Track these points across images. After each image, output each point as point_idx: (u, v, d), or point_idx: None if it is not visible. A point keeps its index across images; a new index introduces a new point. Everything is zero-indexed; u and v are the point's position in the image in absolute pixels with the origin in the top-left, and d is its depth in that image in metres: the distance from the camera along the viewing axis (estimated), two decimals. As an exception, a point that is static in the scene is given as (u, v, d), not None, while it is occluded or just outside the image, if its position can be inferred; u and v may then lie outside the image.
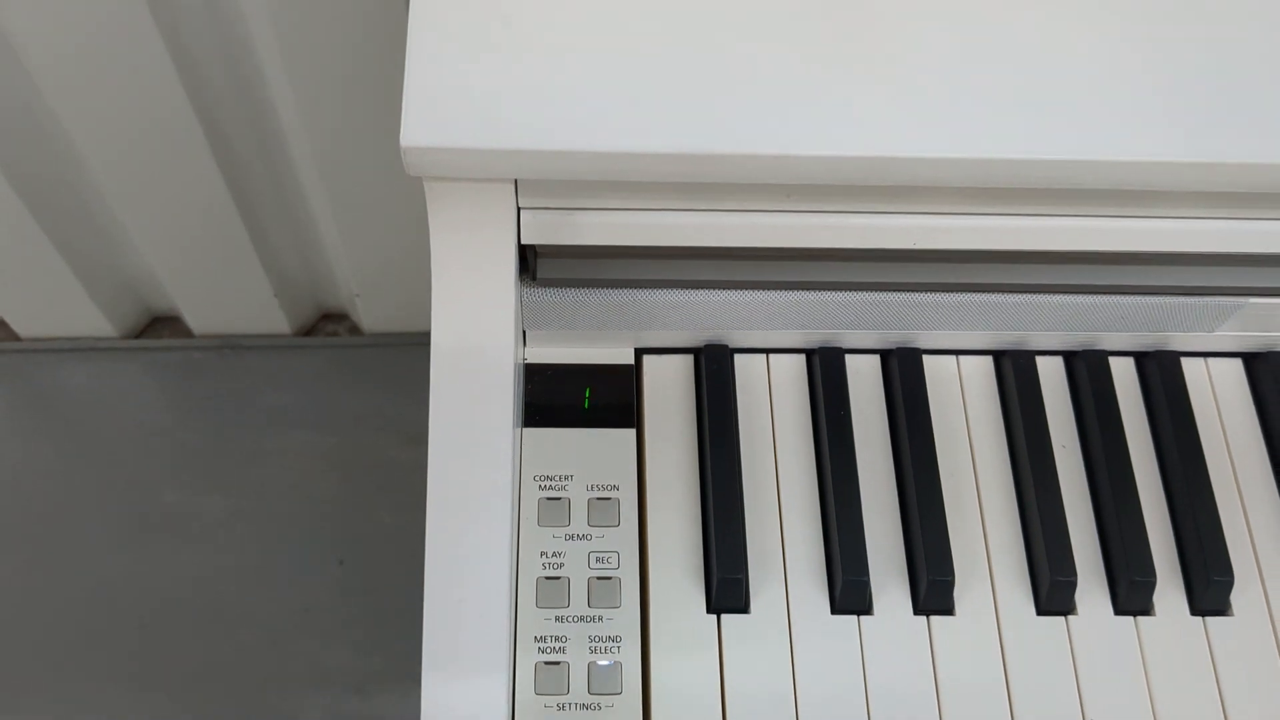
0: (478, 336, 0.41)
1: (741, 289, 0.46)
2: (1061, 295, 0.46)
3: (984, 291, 0.46)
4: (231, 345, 1.14)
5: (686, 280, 0.45)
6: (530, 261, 0.44)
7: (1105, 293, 0.46)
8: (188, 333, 1.14)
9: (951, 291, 0.46)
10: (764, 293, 0.46)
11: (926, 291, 0.46)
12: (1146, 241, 0.43)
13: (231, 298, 1.08)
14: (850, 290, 0.46)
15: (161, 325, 1.15)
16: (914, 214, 0.43)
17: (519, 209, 0.41)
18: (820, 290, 0.46)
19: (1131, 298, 0.46)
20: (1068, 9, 0.42)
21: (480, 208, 0.39)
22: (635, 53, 0.39)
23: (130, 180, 0.91)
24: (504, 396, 0.41)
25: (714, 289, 0.46)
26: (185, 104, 0.82)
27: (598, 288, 0.45)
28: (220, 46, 0.80)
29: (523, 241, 0.42)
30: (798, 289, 0.46)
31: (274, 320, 1.12)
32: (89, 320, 1.09)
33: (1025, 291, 0.46)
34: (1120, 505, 0.45)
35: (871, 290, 0.46)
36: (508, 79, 0.38)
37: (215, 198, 0.92)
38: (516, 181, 0.39)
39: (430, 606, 0.39)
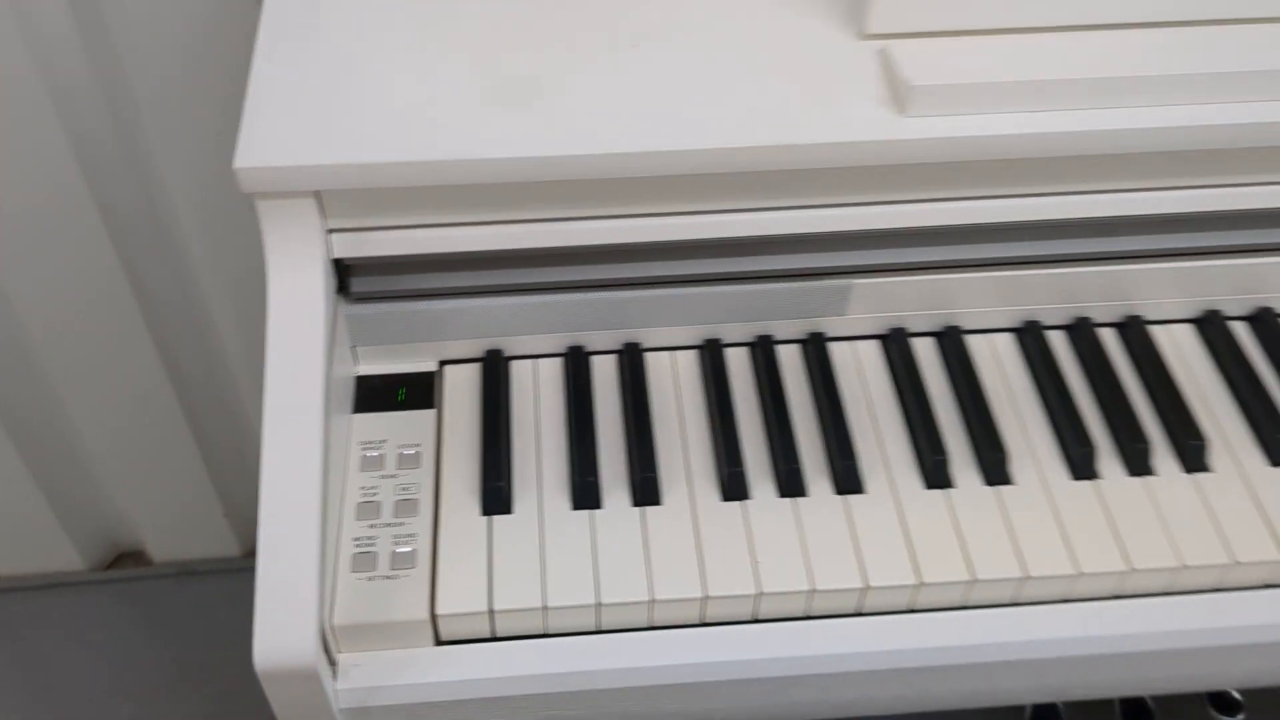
0: (297, 339, 0.60)
1: (512, 294, 0.65)
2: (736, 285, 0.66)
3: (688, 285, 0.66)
4: (189, 571, 1.30)
5: (471, 288, 0.65)
6: (346, 279, 0.64)
7: (768, 280, 0.66)
8: (147, 561, 1.31)
9: (659, 286, 0.66)
10: (530, 296, 0.66)
11: (647, 287, 0.66)
12: (766, 228, 0.64)
13: (188, 522, 1.27)
14: (592, 290, 0.65)
15: (125, 557, 1.33)
16: (632, 216, 0.62)
17: (328, 228, 0.61)
18: (570, 291, 0.65)
19: (775, 285, 0.66)
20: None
21: (295, 224, 0.59)
22: (398, 82, 0.61)
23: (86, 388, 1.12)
24: (315, 393, 0.58)
25: (493, 295, 0.65)
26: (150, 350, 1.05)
27: (401, 300, 0.65)
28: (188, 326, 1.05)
29: (335, 256, 0.62)
30: (557, 291, 0.65)
31: (226, 543, 1.30)
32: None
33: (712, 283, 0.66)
34: (774, 428, 0.64)
35: (606, 289, 0.66)
36: (309, 109, 0.59)
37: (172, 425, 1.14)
38: (320, 196, 0.60)
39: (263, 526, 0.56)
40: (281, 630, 0.53)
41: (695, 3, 0.66)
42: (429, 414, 0.65)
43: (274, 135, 0.58)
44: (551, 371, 0.68)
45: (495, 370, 0.67)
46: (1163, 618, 0.59)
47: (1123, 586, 0.60)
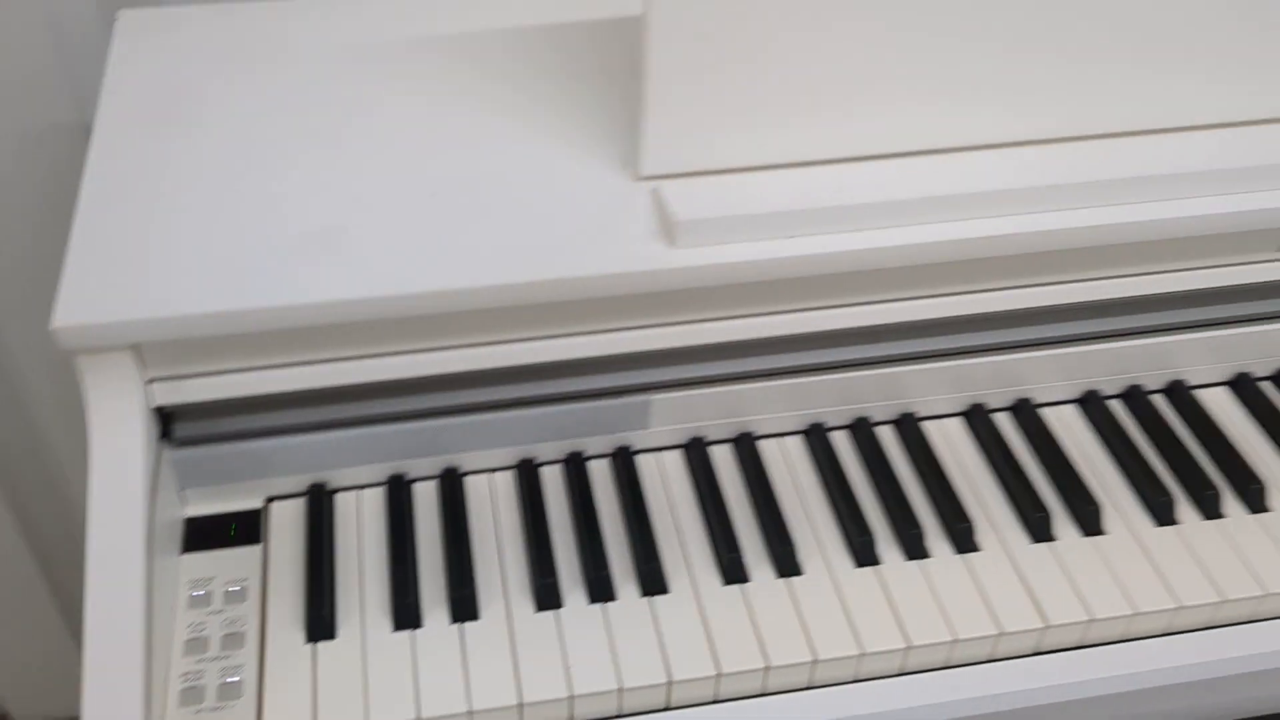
0: (118, 490, 0.63)
1: (333, 428, 0.69)
2: (546, 406, 0.71)
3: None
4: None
5: (292, 425, 0.69)
6: (168, 426, 0.68)
7: (575, 400, 0.71)
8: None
9: (473, 413, 0.71)
10: (350, 430, 0.70)
11: (462, 414, 0.70)
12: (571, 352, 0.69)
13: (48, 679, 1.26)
14: (409, 420, 0.70)
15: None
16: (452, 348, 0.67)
17: (148, 378, 0.65)
18: (388, 422, 0.70)
19: (581, 404, 0.72)
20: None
21: (114, 378, 0.63)
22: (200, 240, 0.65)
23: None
24: (136, 542, 0.61)
25: (314, 431, 0.69)
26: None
27: (225, 441, 0.68)
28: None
29: (156, 405, 0.66)
30: (376, 423, 0.70)
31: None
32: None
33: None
34: (585, 539, 0.68)
35: (423, 418, 0.70)
36: (123, 266, 0.63)
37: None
38: (138, 349, 0.63)
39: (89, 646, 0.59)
40: (106, 770, 0.55)
41: (488, 154, 0.72)
42: (256, 549, 0.69)
43: (90, 293, 0.62)
44: (374, 500, 0.72)
45: (319, 504, 0.70)
46: (939, 690, 0.64)
47: (905, 664, 0.65)
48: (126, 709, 0.57)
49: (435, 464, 0.73)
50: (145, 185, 0.70)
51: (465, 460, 0.73)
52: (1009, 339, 0.75)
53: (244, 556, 0.68)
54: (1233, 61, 0.72)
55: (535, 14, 0.85)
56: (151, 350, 0.64)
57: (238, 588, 0.66)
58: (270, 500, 0.71)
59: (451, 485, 0.72)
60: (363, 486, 0.72)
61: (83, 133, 0.93)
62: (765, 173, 0.70)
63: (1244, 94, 0.73)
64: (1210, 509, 0.71)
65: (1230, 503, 0.72)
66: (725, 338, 0.70)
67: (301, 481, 0.71)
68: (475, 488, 0.73)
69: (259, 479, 0.70)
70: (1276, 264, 0.74)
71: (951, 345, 0.74)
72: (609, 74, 0.79)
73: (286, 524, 0.70)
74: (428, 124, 0.75)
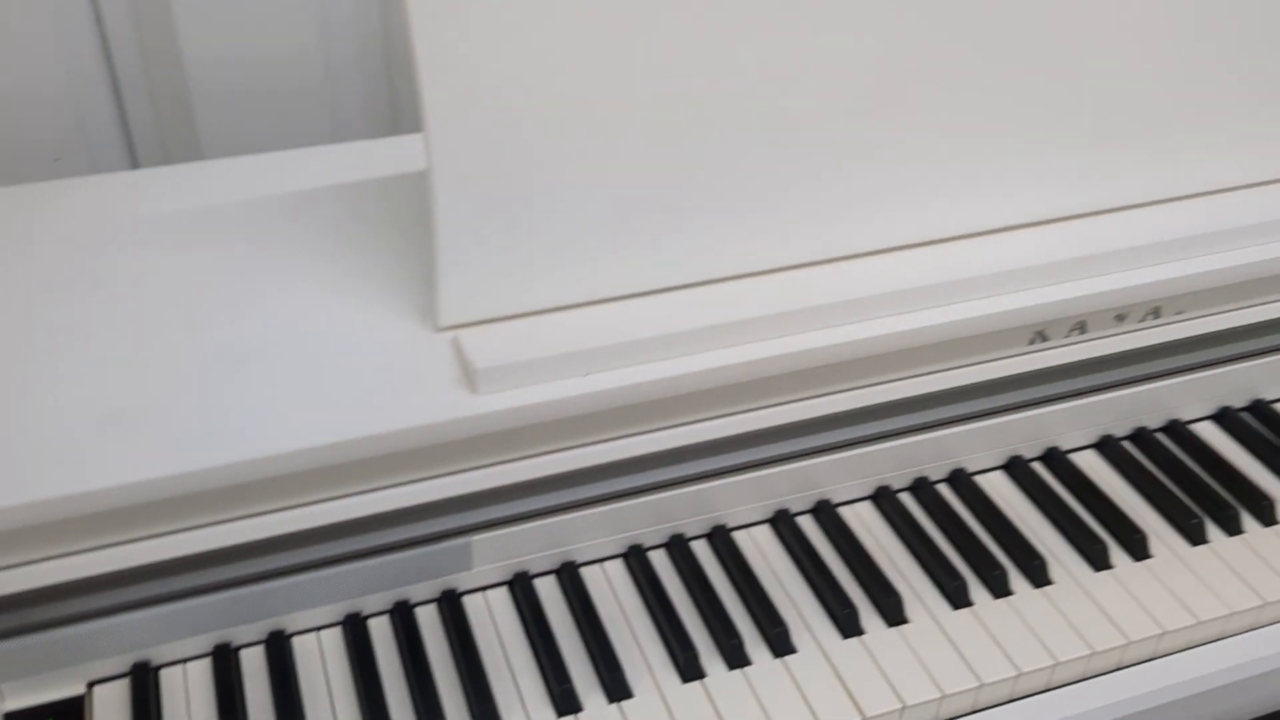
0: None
1: (152, 605, 0.69)
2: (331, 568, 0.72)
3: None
4: None
5: (109, 606, 0.68)
6: (-24, 622, 0.66)
7: (395, 550, 0.73)
8: None
9: (294, 574, 0.71)
10: (169, 604, 0.69)
11: (282, 576, 0.71)
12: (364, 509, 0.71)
13: None
14: (230, 588, 0.70)
15: None
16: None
17: (-51, 579, 0.64)
18: (208, 593, 0.70)
19: (402, 553, 0.73)
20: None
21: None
22: None
23: None
24: None
25: (133, 610, 0.69)
26: None
27: (40, 630, 0.67)
28: None
29: (-41, 603, 0.64)
30: (195, 595, 0.70)
31: None
32: None
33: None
34: (415, 687, 0.69)
35: (243, 585, 0.70)
36: None
37: None
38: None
39: None
40: None
41: (291, 318, 0.74)
42: (79, 739, 0.67)
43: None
44: (199, 672, 0.71)
45: (143, 683, 0.70)
46: (768, 791, 0.67)
47: (734, 770, 0.68)
48: None
49: (260, 628, 0.73)
50: (-62, 380, 0.69)
51: (291, 621, 0.73)
52: (803, 446, 0.80)
53: (66, 747, 0.67)
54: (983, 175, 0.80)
55: (320, 177, 0.88)
56: (-48, 548, 0.63)
57: (61, 783, 0.65)
58: (92, 684, 0.70)
59: (278, 648, 0.72)
60: (186, 660, 0.72)
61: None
62: (561, 313, 0.74)
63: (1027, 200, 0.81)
64: (999, 588, 0.76)
65: (1017, 580, 0.77)
66: (538, 473, 0.73)
67: (124, 662, 0.70)
68: (303, 647, 0.73)
69: (79, 664, 0.69)
70: (1030, 355, 0.81)
71: (751, 458, 0.78)
72: (402, 228, 0.82)
73: (111, 707, 0.69)
74: (220, 290, 0.76)
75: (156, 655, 0.71)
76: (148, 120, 1.04)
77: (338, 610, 0.74)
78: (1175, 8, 0.82)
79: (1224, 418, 0.91)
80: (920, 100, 0.77)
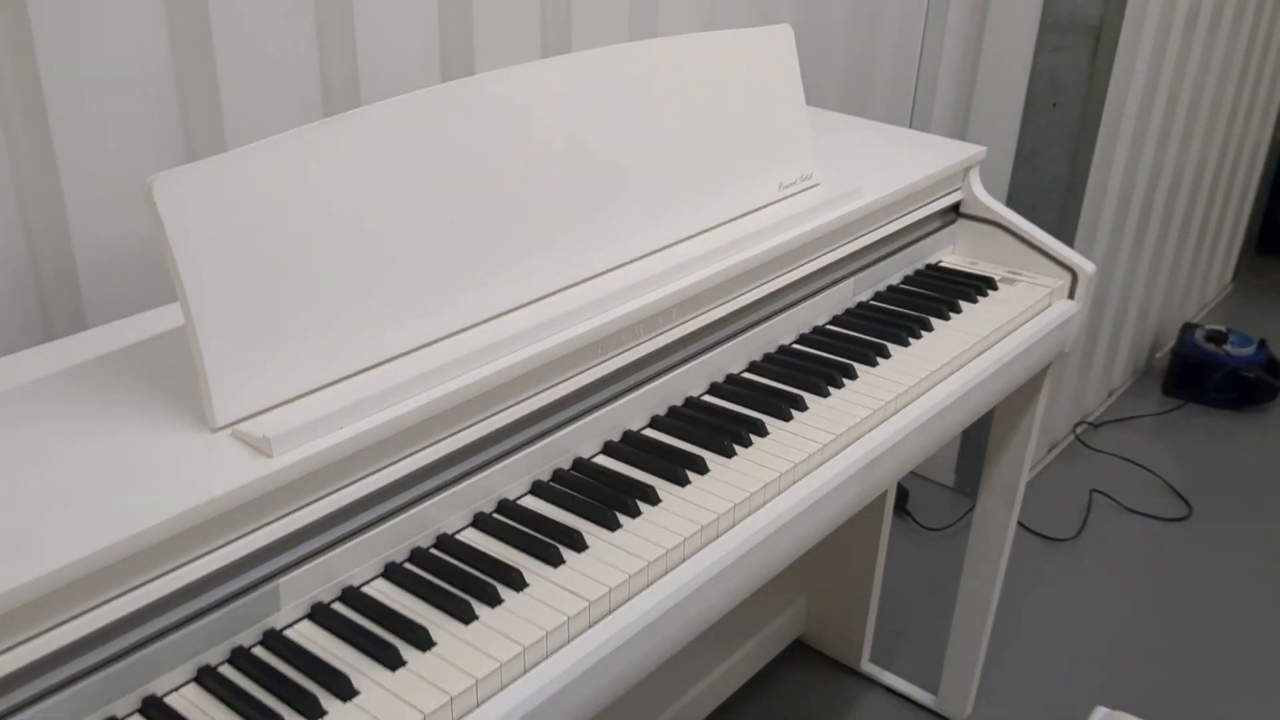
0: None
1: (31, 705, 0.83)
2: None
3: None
4: None
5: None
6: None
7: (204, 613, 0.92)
8: None
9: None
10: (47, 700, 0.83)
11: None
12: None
13: None
14: (103, 669, 0.85)
15: None
16: None
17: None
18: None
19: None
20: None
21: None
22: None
23: None
24: None
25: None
26: None
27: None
28: None
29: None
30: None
31: None
32: None
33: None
34: None
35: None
36: None
37: None
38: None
39: None
40: None
41: (93, 447, 0.93)
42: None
43: None
44: (101, 743, 0.86)
45: (59, 762, 0.83)
46: None
47: None
48: None
49: (135, 698, 0.89)
50: None
51: (157, 686, 0.90)
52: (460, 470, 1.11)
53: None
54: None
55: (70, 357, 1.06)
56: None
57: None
58: (8, 785, 0.82)
59: (158, 707, 0.88)
60: (84, 742, 0.86)
61: None
62: (298, 399, 1.00)
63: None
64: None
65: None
66: (327, 510, 0.97)
67: (30, 758, 0.83)
68: (177, 702, 0.90)
69: (-6, 770, 0.81)
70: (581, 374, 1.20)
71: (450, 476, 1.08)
72: (150, 380, 1.03)
73: (35, 793, 0.82)
74: (25, 446, 0.93)
75: (57, 745, 0.85)
76: None
77: (189, 669, 0.92)
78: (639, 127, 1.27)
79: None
80: (467, 232, 1.14)
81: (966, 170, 1.76)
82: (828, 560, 2.25)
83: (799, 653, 2.31)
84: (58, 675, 0.83)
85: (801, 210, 1.45)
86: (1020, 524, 2.72)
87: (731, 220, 1.42)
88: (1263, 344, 3.32)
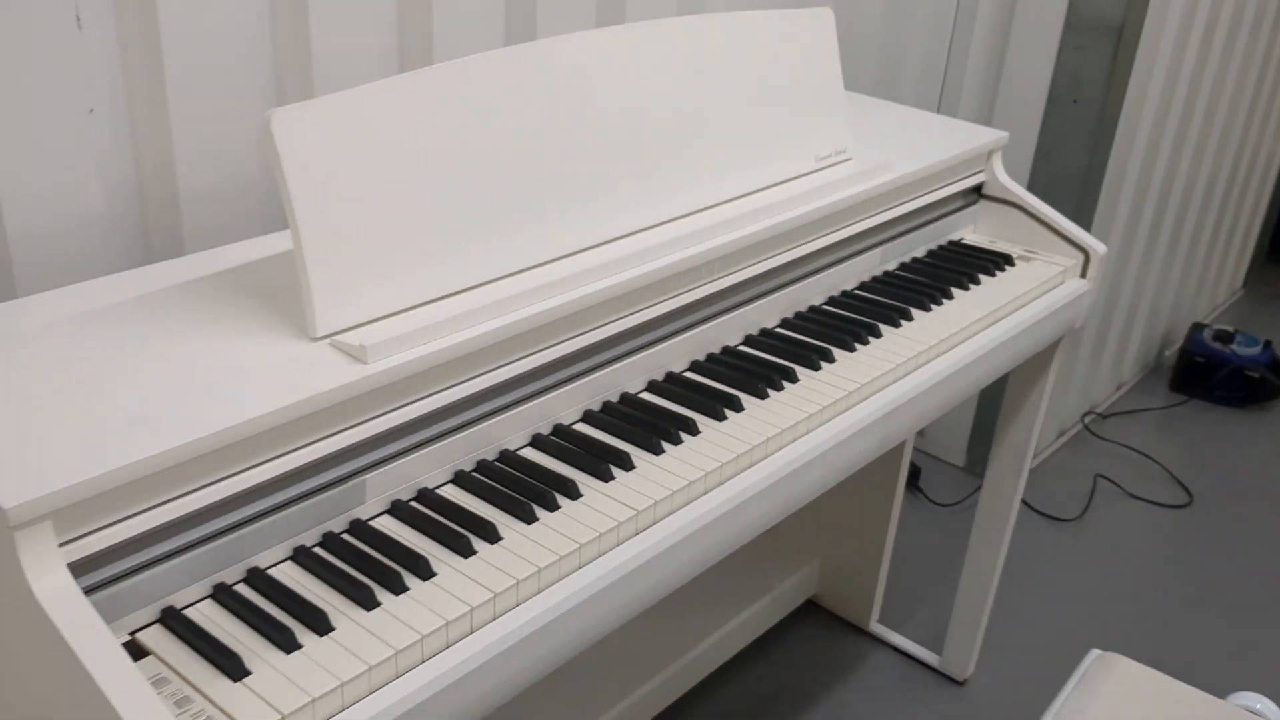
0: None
1: (168, 559, 0.95)
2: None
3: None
4: None
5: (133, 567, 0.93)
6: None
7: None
8: None
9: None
10: (174, 559, 0.95)
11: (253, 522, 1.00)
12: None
13: None
14: (218, 538, 0.97)
15: None
16: None
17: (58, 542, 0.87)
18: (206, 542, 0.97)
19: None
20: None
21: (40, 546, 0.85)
22: None
23: None
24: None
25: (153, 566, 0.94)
26: None
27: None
28: None
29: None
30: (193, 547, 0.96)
31: None
32: None
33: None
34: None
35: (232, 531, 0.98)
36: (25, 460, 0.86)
37: None
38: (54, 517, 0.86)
39: None
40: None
41: (206, 349, 1.05)
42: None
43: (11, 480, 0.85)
44: (210, 608, 0.98)
45: (176, 623, 0.95)
46: (613, 555, 1.08)
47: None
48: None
49: (240, 569, 1.01)
50: None
51: (260, 560, 1.02)
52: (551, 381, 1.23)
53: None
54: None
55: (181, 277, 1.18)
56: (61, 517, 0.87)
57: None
58: (134, 633, 0.94)
59: (262, 578, 1.00)
60: (197, 602, 0.98)
61: None
62: (390, 317, 1.12)
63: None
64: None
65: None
66: (413, 415, 1.09)
67: (154, 610, 0.95)
68: (278, 574, 1.02)
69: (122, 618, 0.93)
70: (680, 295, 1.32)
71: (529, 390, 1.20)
72: (258, 298, 1.15)
73: (161, 645, 0.94)
74: (157, 355, 1.05)
75: (177, 600, 0.97)
76: None
77: (287, 547, 1.04)
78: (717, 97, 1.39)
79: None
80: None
81: (990, 153, 1.87)
82: (842, 525, 2.36)
83: (811, 611, 2.42)
84: (178, 541, 0.96)
85: (835, 180, 1.57)
86: (1026, 504, 2.83)
87: (771, 186, 1.53)
88: (1268, 345, 3.43)
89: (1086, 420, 3.25)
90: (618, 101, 1.33)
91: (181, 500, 0.94)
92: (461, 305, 1.14)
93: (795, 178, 1.58)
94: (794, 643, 2.33)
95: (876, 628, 2.38)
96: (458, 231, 1.17)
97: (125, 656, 0.82)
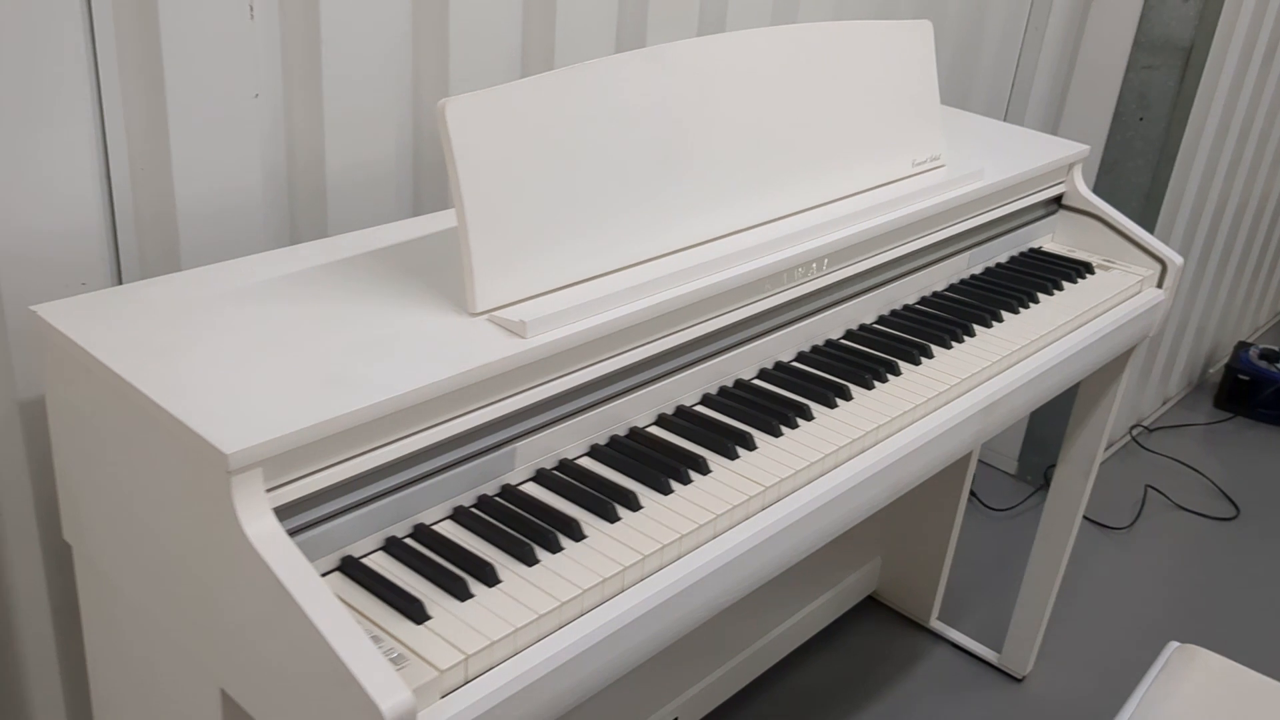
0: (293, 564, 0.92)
1: (343, 514, 1.02)
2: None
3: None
4: None
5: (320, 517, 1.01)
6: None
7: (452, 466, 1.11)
8: None
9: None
10: (352, 512, 1.03)
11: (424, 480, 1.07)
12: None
13: None
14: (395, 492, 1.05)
15: None
16: None
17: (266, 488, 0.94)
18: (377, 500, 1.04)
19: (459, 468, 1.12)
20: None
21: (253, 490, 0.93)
22: None
23: None
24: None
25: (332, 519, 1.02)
26: None
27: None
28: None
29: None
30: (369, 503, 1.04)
31: None
32: None
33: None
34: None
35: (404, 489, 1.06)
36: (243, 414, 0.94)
37: None
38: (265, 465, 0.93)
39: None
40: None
41: (377, 320, 1.12)
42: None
43: (229, 429, 0.92)
44: (383, 558, 1.05)
45: (355, 569, 1.02)
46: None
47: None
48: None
49: (406, 525, 1.08)
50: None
51: (424, 518, 1.09)
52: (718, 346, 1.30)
53: (335, 605, 0.98)
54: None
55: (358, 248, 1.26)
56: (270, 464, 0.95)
57: (347, 620, 0.97)
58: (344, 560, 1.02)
59: (427, 534, 1.08)
60: (373, 552, 1.05)
61: None
62: (546, 294, 1.19)
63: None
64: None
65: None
66: (566, 387, 1.16)
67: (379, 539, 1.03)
68: (442, 530, 1.09)
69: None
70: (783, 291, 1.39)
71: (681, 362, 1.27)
72: (427, 270, 1.23)
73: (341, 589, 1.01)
74: (341, 324, 1.12)
75: (354, 550, 1.04)
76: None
77: (447, 506, 1.11)
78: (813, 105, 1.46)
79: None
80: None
81: (1071, 165, 1.94)
82: (905, 524, 2.43)
83: (871, 607, 2.49)
84: (357, 496, 1.03)
85: (931, 185, 1.64)
86: (1077, 512, 2.89)
87: (871, 189, 1.60)
88: (1314, 365, 3.48)
89: (1134, 433, 3.31)
90: (738, 103, 1.40)
91: (364, 457, 1.02)
92: (608, 287, 1.21)
93: (893, 181, 1.65)
94: (856, 636, 2.39)
95: (936, 624, 2.44)
96: (602, 217, 1.25)
97: (330, 593, 0.89)
